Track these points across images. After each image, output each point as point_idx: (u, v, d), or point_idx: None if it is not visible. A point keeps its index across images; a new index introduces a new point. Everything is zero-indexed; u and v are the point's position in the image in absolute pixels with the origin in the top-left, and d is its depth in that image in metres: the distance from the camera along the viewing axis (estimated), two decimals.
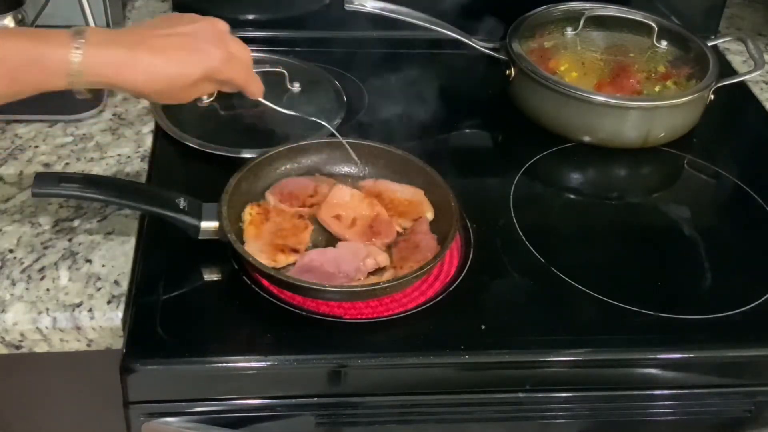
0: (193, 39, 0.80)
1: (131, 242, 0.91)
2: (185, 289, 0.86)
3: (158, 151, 1.05)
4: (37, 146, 1.03)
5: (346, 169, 0.99)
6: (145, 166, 1.02)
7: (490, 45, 1.19)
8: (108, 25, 1.16)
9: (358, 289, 0.84)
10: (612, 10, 1.22)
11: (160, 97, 0.80)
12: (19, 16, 1.08)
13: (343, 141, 0.96)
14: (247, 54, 0.85)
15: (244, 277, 0.86)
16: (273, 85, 1.14)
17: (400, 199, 0.95)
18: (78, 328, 0.83)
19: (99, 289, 0.85)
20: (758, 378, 0.88)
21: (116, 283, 0.86)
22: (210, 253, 0.88)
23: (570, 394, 0.85)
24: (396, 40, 1.24)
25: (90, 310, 0.83)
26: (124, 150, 1.04)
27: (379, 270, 0.88)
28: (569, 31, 1.22)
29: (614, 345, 0.85)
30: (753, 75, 1.19)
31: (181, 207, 0.86)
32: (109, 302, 0.84)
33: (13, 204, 0.95)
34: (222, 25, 0.84)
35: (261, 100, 0.89)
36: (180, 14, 0.83)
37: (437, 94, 1.20)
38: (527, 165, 1.07)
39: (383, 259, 0.88)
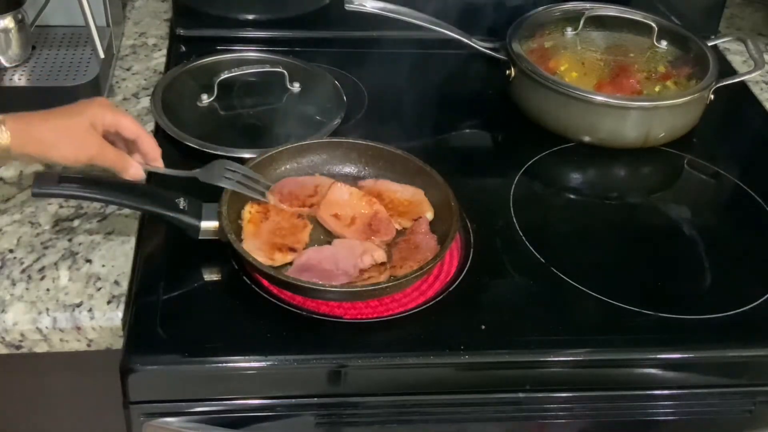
0: None
1: (131, 242, 0.91)
2: (185, 289, 0.86)
3: None
4: None
5: (346, 169, 0.99)
6: None
7: (490, 45, 1.19)
8: (108, 26, 1.15)
9: (358, 289, 0.84)
10: (612, 10, 1.22)
11: None
12: (19, 16, 1.07)
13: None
14: None
15: (244, 278, 0.86)
16: (273, 85, 1.14)
17: (400, 199, 0.95)
18: (78, 328, 0.83)
19: (99, 289, 0.85)
20: (758, 378, 0.88)
21: (116, 283, 0.86)
22: (210, 253, 0.88)
23: (570, 394, 0.85)
24: (396, 40, 1.24)
25: (90, 310, 0.83)
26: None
27: (377, 266, 0.88)
28: (569, 31, 1.22)
29: (614, 345, 0.85)
30: (753, 75, 1.19)
31: (181, 207, 0.86)
32: (109, 302, 0.84)
33: (13, 204, 0.95)
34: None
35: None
36: None
37: (437, 94, 1.20)
38: (527, 165, 1.07)
39: (380, 255, 0.88)
